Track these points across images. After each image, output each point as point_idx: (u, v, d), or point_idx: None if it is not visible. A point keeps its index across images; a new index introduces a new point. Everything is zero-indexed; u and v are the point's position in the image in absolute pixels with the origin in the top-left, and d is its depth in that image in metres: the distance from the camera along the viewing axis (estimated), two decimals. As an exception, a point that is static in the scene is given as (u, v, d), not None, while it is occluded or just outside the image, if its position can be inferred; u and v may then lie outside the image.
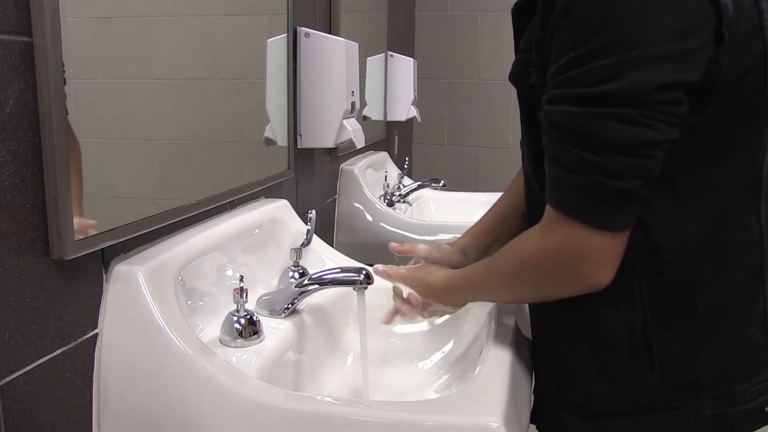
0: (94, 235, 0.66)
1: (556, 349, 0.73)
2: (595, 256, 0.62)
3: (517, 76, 0.71)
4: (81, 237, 0.64)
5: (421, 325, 1.01)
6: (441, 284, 0.81)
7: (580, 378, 0.70)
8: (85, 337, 0.69)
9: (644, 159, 0.58)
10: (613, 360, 0.67)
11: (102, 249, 0.70)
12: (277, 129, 1.15)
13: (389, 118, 2.00)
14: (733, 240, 0.66)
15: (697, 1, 0.56)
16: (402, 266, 0.88)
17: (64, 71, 0.60)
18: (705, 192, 0.64)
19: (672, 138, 0.58)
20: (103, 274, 0.71)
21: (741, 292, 0.67)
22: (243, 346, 0.80)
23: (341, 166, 1.61)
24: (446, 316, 0.95)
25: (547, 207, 0.64)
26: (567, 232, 0.61)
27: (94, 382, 0.70)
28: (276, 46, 1.12)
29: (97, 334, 0.70)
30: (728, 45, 0.58)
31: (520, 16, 0.72)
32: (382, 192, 1.76)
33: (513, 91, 0.73)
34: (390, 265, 0.88)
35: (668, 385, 0.66)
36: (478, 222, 0.93)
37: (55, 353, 0.65)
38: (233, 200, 1.00)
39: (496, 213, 0.93)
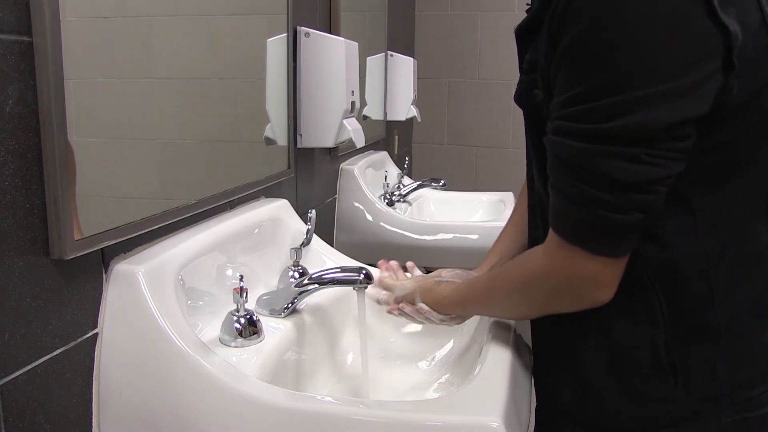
0: (94, 235, 0.66)
1: (569, 359, 0.72)
2: (595, 279, 0.63)
3: (522, 98, 0.71)
4: (81, 237, 0.64)
5: (421, 325, 1.00)
6: (442, 296, 0.81)
7: (598, 393, 0.69)
8: (85, 337, 0.68)
9: (648, 195, 0.58)
10: (635, 377, 0.67)
11: (102, 249, 0.70)
12: (276, 128, 1.14)
13: (389, 118, 2.00)
14: (747, 252, 0.66)
15: (704, 30, 0.55)
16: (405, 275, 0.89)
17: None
18: (719, 209, 0.64)
19: (677, 173, 0.59)
20: (103, 274, 0.71)
21: (756, 301, 0.67)
22: (243, 346, 0.79)
23: (341, 165, 1.61)
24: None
25: (551, 230, 0.64)
26: (570, 258, 0.62)
27: (94, 382, 0.70)
28: (276, 45, 1.12)
29: (97, 334, 0.70)
30: (737, 72, 0.57)
31: (523, 37, 0.71)
32: (382, 192, 1.76)
33: (512, 91, 0.73)
34: (392, 269, 0.88)
35: (693, 399, 0.66)
36: (496, 244, 0.93)
37: (54, 353, 0.65)
38: (233, 200, 1.00)
39: (511, 233, 0.92)
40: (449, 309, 0.81)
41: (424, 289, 0.84)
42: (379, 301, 0.90)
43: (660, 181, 0.58)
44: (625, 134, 0.56)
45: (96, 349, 0.70)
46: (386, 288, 0.89)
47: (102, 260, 0.70)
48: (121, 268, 0.71)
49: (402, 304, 0.84)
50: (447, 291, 0.81)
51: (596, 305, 0.65)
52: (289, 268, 0.98)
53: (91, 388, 0.70)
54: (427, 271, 0.94)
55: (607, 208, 0.59)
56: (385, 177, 1.81)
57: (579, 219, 0.61)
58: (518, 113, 0.74)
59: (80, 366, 0.68)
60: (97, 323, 0.70)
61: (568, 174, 0.60)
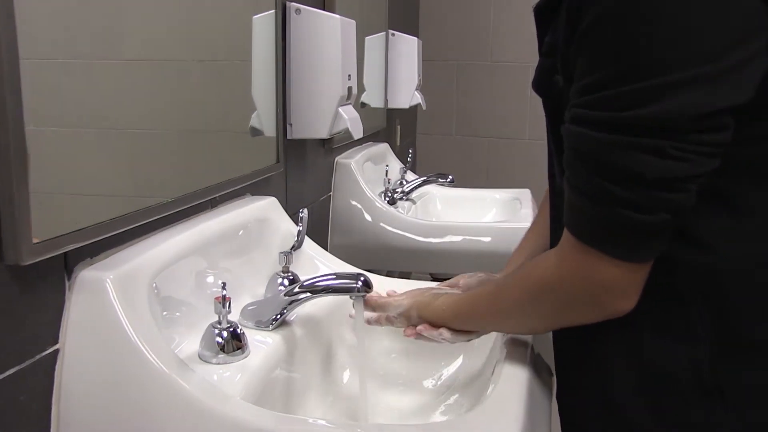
0: (55, 238, 0.66)
1: (595, 379, 0.71)
2: (615, 286, 0.63)
3: (541, 84, 0.71)
4: (40, 240, 0.64)
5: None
6: (441, 309, 0.81)
7: (630, 419, 0.68)
8: (43, 354, 0.68)
9: (675, 193, 0.58)
10: (676, 402, 0.66)
11: (65, 253, 0.69)
12: (264, 117, 1.15)
13: (390, 106, 2.01)
14: None
15: (746, 6, 0.55)
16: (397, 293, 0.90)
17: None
18: (766, 209, 0.63)
19: (710, 170, 0.58)
20: (66, 282, 0.70)
21: None
22: (225, 363, 0.80)
23: (336, 159, 1.62)
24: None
25: (565, 231, 0.64)
26: (586, 261, 0.62)
27: (53, 406, 0.69)
28: (263, 23, 1.12)
29: (57, 350, 0.69)
30: None
31: (542, 16, 0.71)
32: (383, 188, 1.77)
33: (530, 75, 0.73)
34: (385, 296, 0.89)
35: (746, 426, 0.65)
36: (521, 245, 0.93)
37: (7, 373, 0.64)
38: (215, 198, 1.00)
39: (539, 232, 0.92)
40: (451, 324, 0.81)
41: (422, 304, 0.84)
42: (369, 321, 0.90)
43: (688, 178, 0.58)
44: (649, 124, 0.56)
45: (57, 367, 0.69)
46: (377, 308, 0.89)
47: (65, 266, 0.70)
48: (87, 274, 0.71)
49: (421, 327, 0.84)
50: (446, 304, 0.82)
51: (615, 316, 0.65)
52: (277, 274, 0.98)
53: (50, 412, 0.69)
54: (434, 279, 0.93)
55: (628, 207, 0.58)
56: (386, 172, 1.82)
57: (597, 218, 0.60)
58: (536, 100, 0.74)
59: (38, 387, 0.68)
60: (58, 338, 0.69)
61: (585, 168, 0.60)
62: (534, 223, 0.94)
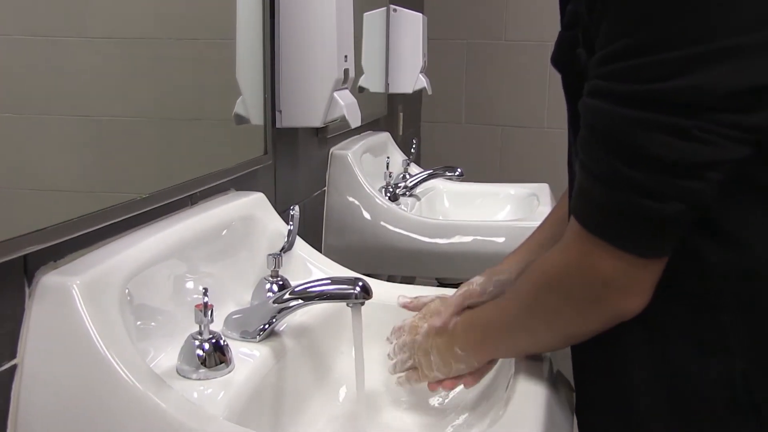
0: (13, 239, 0.66)
1: (617, 394, 0.71)
2: (615, 281, 0.63)
3: (561, 59, 0.71)
4: (-4, 240, 0.64)
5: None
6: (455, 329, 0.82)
7: None
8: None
9: (695, 181, 0.58)
10: (706, 422, 0.66)
11: (24, 256, 0.69)
12: (250, 103, 1.15)
13: (392, 90, 2.02)
14: None
15: None
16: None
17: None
18: None
19: (736, 157, 0.58)
20: (26, 288, 0.70)
21: None
22: (207, 378, 0.80)
23: (331, 150, 1.62)
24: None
25: (571, 219, 0.65)
26: (590, 252, 0.63)
27: (9, 427, 0.69)
28: (248, -3, 1.12)
29: (15, 366, 0.69)
30: None
31: None
32: (383, 183, 1.78)
33: (548, 55, 0.73)
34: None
35: None
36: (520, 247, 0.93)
37: (-42, 391, 0.64)
38: (195, 193, 1.00)
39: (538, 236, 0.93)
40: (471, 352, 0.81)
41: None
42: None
43: (709, 165, 0.57)
44: (673, 100, 0.56)
45: (14, 385, 0.69)
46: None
47: (24, 271, 0.70)
48: (50, 280, 0.70)
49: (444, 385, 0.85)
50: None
51: (620, 318, 0.65)
52: (265, 279, 0.98)
53: (7, 435, 0.69)
54: (441, 284, 0.94)
55: (641, 193, 0.59)
56: (387, 165, 1.83)
57: (606, 204, 0.61)
58: (556, 83, 0.74)
59: (-7, 407, 0.68)
60: (15, 352, 0.69)
61: (599, 146, 0.60)
62: (552, 213, 0.94)
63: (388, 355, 0.91)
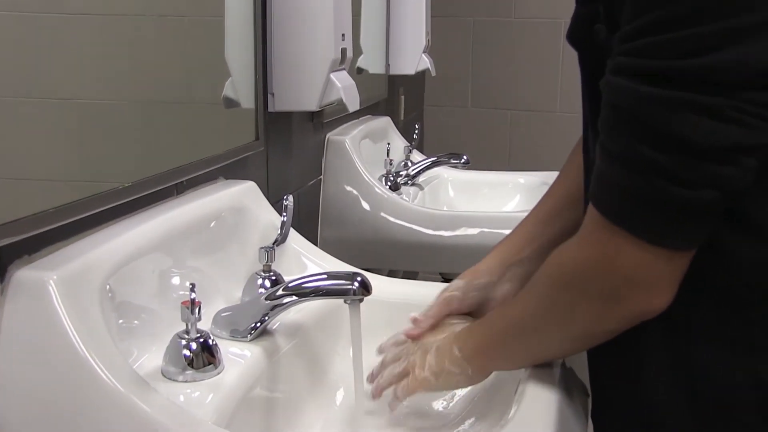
0: (-15, 230, 0.66)
1: (636, 398, 0.71)
2: (638, 276, 0.63)
3: (578, 36, 0.71)
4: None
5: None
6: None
7: None
8: (-30, 372, 0.68)
9: (727, 166, 0.58)
10: (731, 425, 0.66)
11: (-3, 249, 0.69)
12: (240, 85, 1.15)
13: (393, 72, 2.02)
14: None
15: None
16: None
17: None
18: None
19: None
20: (-1, 284, 0.70)
21: None
22: (194, 380, 0.80)
23: (328, 136, 1.62)
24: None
25: (590, 206, 0.64)
26: (610, 242, 0.62)
27: (-21, 436, 0.69)
28: (238, -29, 1.12)
29: (-12, 367, 0.69)
30: None
31: None
32: (384, 171, 1.77)
33: (563, 33, 0.73)
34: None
35: None
36: (512, 232, 0.94)
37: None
38: (181, 182, 1.00)
39: (541, 211, 0.93)
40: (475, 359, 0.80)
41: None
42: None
43: (744, 149, 0.57)
44: (705, 77, 0.56)
45: (-13, 388, 0.69)
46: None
47: (-3, 265, 0.70)
48: (25, 275, 0.70)
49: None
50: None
51: (641, 317, 0.65)
52: (257, 274, 0.98)
53: (-22, 444, 0.69)
54: (444, 279, 0.93)
55: (668, 179, 0.58)
56: (388, 152, 1.82)
57: (628, 190, 0.60)
58: (570, 64, 0.74)
59: (-37, 413, 0.68)
60: (-12, 352, 0.69)
61: (623, 128, 0.60)
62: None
63: (371, 372, 0.90)
